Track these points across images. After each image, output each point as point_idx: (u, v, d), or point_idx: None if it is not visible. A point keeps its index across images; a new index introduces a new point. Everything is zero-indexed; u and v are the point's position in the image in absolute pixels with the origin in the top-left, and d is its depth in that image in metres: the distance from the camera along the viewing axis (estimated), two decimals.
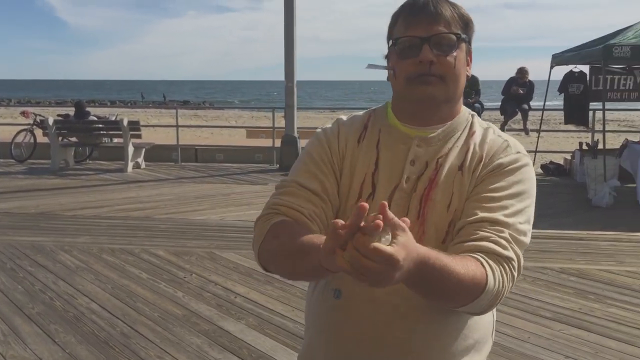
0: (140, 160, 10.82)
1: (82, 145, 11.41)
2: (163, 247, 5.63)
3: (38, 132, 11.35)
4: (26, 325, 3.83)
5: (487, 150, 1.31)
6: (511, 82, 10.47)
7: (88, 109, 11.69)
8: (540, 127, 10.96)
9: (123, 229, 6.38)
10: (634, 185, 7.98)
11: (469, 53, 1.32)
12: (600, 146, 8.46)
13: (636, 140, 9.26)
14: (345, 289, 1.30)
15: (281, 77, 10.70)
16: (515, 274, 1.23)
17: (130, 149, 10.46)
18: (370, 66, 1.40)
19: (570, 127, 10.53)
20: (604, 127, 8.42)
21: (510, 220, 1.23)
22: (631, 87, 9.98)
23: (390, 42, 1.31)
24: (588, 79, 9.75)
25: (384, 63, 1.36)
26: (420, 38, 1.24)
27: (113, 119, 11.57)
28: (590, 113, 10.42)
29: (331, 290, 1.33)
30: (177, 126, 11.97)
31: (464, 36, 1.28)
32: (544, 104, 10.76)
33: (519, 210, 1.26)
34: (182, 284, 4.62)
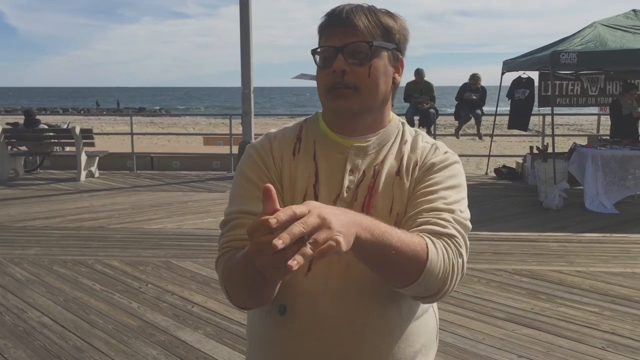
0: (93, 168, 10.59)
1: (33, 154, 11.10)
2: (118, 257, 5.52)
3: None
4: None
5: (420, 154, 1.35)
6: (464, 88, 10.69)
7: (39, 117, 11.37)
8: (493, 131, 11.21)
9: (76, 239, 6.22)
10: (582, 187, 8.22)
11: (397, 60, 1.32)
12: (550, 150, 8.70)
13: (584, 144, 9.56)
14: (290, 305, 1.30)
15: (239, 83, 10.66)
16: (462, 251, 1.23)
17: (83, 158, 10.23)
18: (300, 76, 1.41)
19: (522, 132, 10.79)
20: (553, 131, 8.66)
21: (449, 207, 1.26)
22: (579, 92, 10.32)
23: (313, 52, 1.32)
24: (537, 84, 10.03)
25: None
26: (335, 48, 1.24)
27: (65, 127, 11.30)
28: (540, 118, 10.71)
29: (276, 306, 1.32)
30: (132, 134, 11.77)
31: (382, 44, 1.27)
32: (496, 109, 11.02)
33: (457, 200, 1.29)
34: (137, 294, 4.54)
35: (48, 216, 7.37)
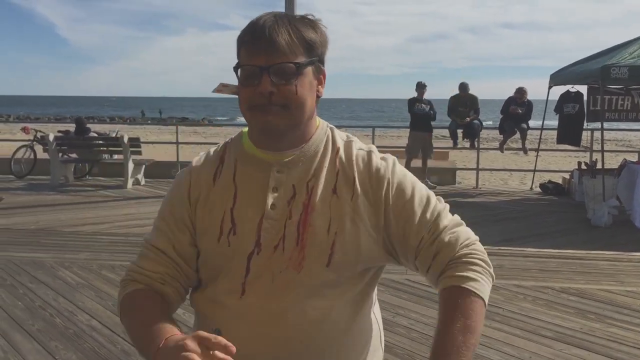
0: (140, 176, 10.84)
1: (82, 162, 11.43)
2: None
3: (38, 148, 11.37)
4: (26, 342, 3.82)
5: (360, 169, 1.31)
6: (510, 101, 10.55)
7: (88, 125, 11.73)
8: (538, 146, 11.02)
9: (123, 245, 6.37)
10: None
11: (320, 72, 1.30)
12: (598, 166, 8.50)
13: (634, 161, 9.30)
14: (225, 329, 1.22)
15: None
16: (482, 256, 1.33)
17: (131, 166, 10.48)
18: (220, 88, 1.39)
19: (569, 146, 10.58)
20: (602, 146, 8.46)
21: (435, 216, 1.30)
22: (629, 108, 10.05)
23: (234, 68, 1.28)
24: (586, 99, 9.82)
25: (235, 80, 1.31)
26: (260, 67, 1.21)
27: (113, 135, 11.62)
28: (589, 133, 10.48)
29: (211, 331, 1.24)
30: (177, 143, 12.01)
31: (306, 62, 1.24)
32: (543, 124, 10.83)
33: (428, 199, 1.32)
34: None
35: (97, 222, 7.57)
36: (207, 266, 1.33)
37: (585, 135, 10.16)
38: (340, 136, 1.37)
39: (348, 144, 1.35)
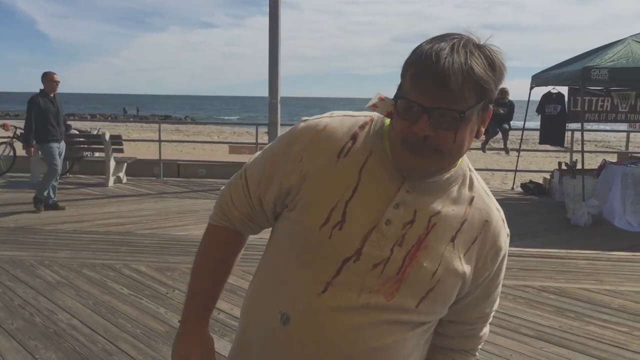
0: (121, 174, 10.74)
1: (63, 159, 11.28)
2: (145, 262, 5.59)
3: (18, 145, 11.20)
4: (5, 341, 3.77)
5: (487, 233, 1.27)
6: None
7: (68, 122, 11.59)
8: (520, 146, 11.13)
9: (104, 243, 6.32)
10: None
11: (486, 111, 1.18)
12: (579, 166, 8.60)
13: (614, 161, 9.43)
14: (296, 318, 1.22)
15: (263, 93, 10.76)
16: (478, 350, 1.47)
17: (112, 163, 10.38)
18: (374, 104, 1.21)
19: (550, 147, 10.69)
20: (582, 147, 8.56)
21: (492, 309, 1.40)
22: (609, 109, 10.18)
23: (398, 93, 1.18)
24: (567, 100, 9.94)
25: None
26: (421, 106, 1.10)
27: (95, 132, 11.49)
28: (569, 133, 10.60)
29: (277, 312, 1.25)
30: (160, 141, 11.92)
31: (475, 108, 1.13)
32: (524, 124, 10.94)
33: (498, 295, 1.40)
34: (164, 300, 4.59)
35: (77, 220, 7.49)
36: (296, 244, 1.25)
37: (566, 135, 10.28)
38: (481, 185, 1.31)
39: (486, 199, 1.29)
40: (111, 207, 8.45)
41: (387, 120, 1.24)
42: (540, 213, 8.57)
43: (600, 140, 27.40)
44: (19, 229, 6.94)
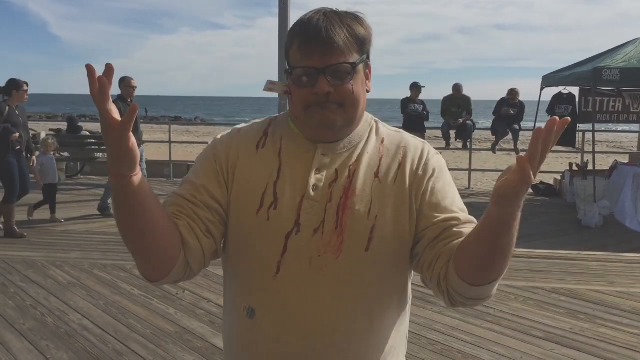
0: None
1: (74, 160, 11.38)
2: None
3: None
4: (17, 342, 3.80)
5: (409, 156, 1.32)
6: (502, 102, 10.58)
7: (80, 123, 11.69)
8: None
9: (115, 244, 6.34)
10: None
11: (367, 67, 1.31)
12: (590, 167, 8.55)
13: (625, 162, 9.36)
14: (259, 308, 1.28)
15: (273, 93, 10.75)
16: None
17: None
18: (269, 87, 1.41)
19: (560, 147, 10.63)
20: (593, 148, 8.51)
21: (455, 207, 1.31)
22: (620, 109, 10.11)
23: (287, 67, 1.29)
24: (578, 100, 9.87)
25: (284, 79, 1.33)
26: (316, 69, 1.22)
27: None
28: (580, 134, 10.53)
29: (244, 309, 1.30)
30: (170, 142, 11.96)
31: (360, 60, 1.26)
32: (535, 125, 10.88)
33: (454, 192, 1.34)
34: (174, 300, 4.61)
35: (88, 221, 7.55)
36: (241, 237, 1.30)
37: (577, 136, 10.22)
38: (388, 128, 1.39)
39: (396, 135, 1.37)
40: None
41: (289, 114, 1.36)
42: (551, 214, 8.52)
43: (612, 141, 27.20)
44: (31, 229, 6.99)
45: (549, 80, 10.11)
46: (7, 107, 6.53)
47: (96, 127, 15.78)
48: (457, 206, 1.31)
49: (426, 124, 10.68)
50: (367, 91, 1.32)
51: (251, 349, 1.31)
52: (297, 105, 1.27)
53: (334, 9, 1.28)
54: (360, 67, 1.27)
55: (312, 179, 1.27)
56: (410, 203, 1.29)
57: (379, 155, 1.32)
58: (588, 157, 9.18)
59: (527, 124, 11.27)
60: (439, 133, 11.64)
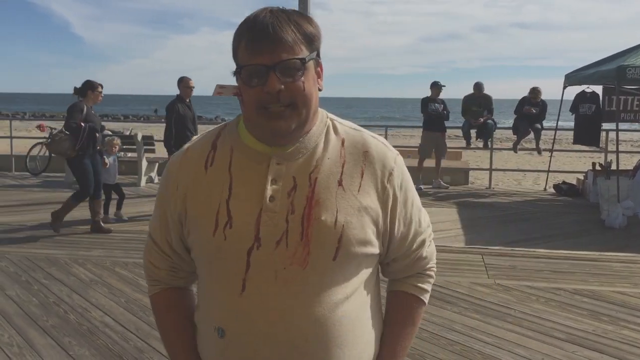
0: (153, 174, 10.90)
1: None
2: None
3: None
4: (41, 338, 3.86)
5: (371, 161, 1.29)
6: (524, 101, 10.49)
7: (102, 123, 11.80)
8: (552, 146, 10.95)
9: (136, 242, 6.41)
10: None
11: (318, 65, 1.28)
12: (613, 167, 8.43)
13: None
14: (228, 326, 1.26)
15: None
16: (434, 267, 1.47)
17: (144, 164, 10.54)
18: (219, 91, 1.38)
19: (583, 147, 10.50)
20: (617, 147, 8.39)
21: (422, 228, 1.40)
22: None
23: (235, 68, 1.25)
24: (601, 99, 9.74)
25: (233, 80, 1.29)
26: (265, 66, 1.18)
27: (127, 133, 11.68)
28: (604, 133, 10.39)
29: (214, 329, 1.28)
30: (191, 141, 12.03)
31: (310, 57, 1.22)
32: (557, 124, 10.77)
33: (420, 208, 1.41)
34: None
35: (110, 219, 7.62)
36: (203, 259, 1.30)
37: (600, 135, 10.09)
38: (346, 125, 1.34)
39: (356, 134, 1.32)
40: (143, 206, 8.57)
41: (241, 118, 1.34)
42: (574, 214, 8.41)
43: (637, 140, 26.77)
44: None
45: (571, 79, 9.99)
46: (86, 107, 6.73)
47: (117, 126, 15.95)
48: (421, 228, 1.39)
49: (447, 123, 10.63)
50: (319, 89, 1.28)
51: None
52: (249, 106, 1.23)
53: (281, 7, 1.25)
54: (311, 64, 1.23)
55: (269, 190, 1.24)
56: (377, 217, 1.28)
57: (341, 160, 1.27)
58: (611, 157, 9.05)
59: (549, 123, 11.14)
60: (459, 132, 11.56)
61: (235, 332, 1.25)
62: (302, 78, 1.20)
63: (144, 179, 10.54)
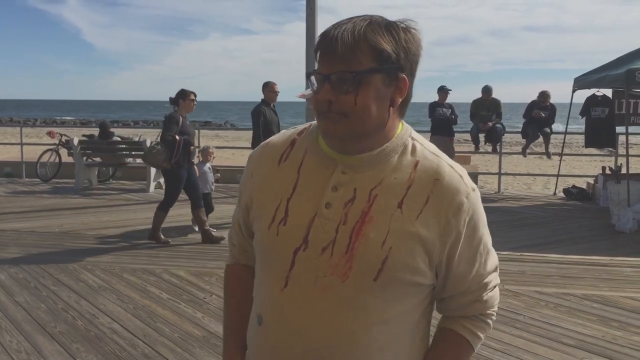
0: (162, 180, 10.90)
1: (106, 165, 11.59)
2: (184, 267, 5.68)
3: (63, 151, 11.56)
4: (49, 344, 3.88)
5: (441, 190, 1.24)
6: (533, 105, 10.44)
7: (112, 129, 11.88)
8: (562, 150, 10.88)
9: (145, 248, 6.44)
10: None
11: (396, 79, 1.21)
12: (623, 170, 8.36)
13: None
14: (266, 316, 1.29)
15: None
16: (494, 314, 1.39)
17: (153, 170, 10.58)
18: (302, 95, 1.42)
19: (593, 150, 10.43)
20: (627, 151, 8.33)
21: (486, 270, 1.33)
22: None
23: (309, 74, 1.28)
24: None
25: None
26: (322, 75, 1.20)
27: (136, 139, 11.74)
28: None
29: (255, 316, 1.34)
30: (199, 146, 12.07)
31: (369, 70, 1.17)
32: (566, 128, 10.71)
33: (489, 250, 1.34)
34: (202, 304, 4.64)
35: (119, 225, 7.66)
36: (258, 249, 1.35)
37: (617, 137, 10.04)
38: (427, 148, 1.30)
39: (433, 159, 1.27)
40: (152, 212, 8.56)
41: None
42: (583, 219, 8.36)
43: None
44: (64, 234, 7.15)
45: (580, 83, 9.94)
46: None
47: (127, 132, 16.03)
48: (485, 271, 1.33)
49: (455, 127, 10.60)
50: (392, 105, 1.23)
51: (257, 354, 1.34)
52: (313, 110, 1.26)
53: (372, 16, 1.22)
54: (376, 78, 1.18)
55: (327, 197, 1.24)
56: (432, 248, 1.23)
57: (408, 182, 1.24)
58: (622, 160, 8.99)
59: (558, 126, 11.08)
60: (468, 136, 11.53)
61: (271, 323, 1.28)
62: (356, 92, 1.18)
63: (152, 185, 10.58)
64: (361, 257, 1.20)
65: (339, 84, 1.18)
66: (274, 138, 1.40)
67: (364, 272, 1.20)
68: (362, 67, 1.17)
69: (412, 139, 1.29)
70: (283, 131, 1.43)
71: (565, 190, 10.31)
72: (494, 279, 1.36)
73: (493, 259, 1.35)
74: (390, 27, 1.20)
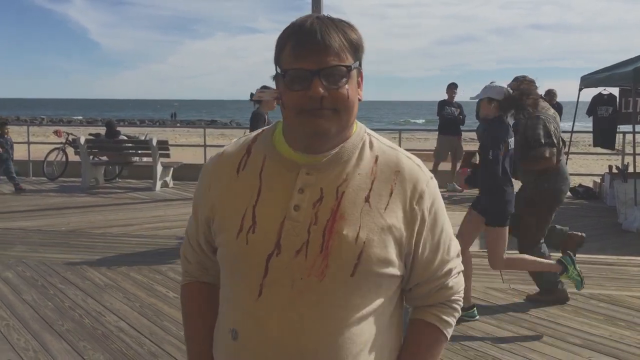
0: (168, 179, 10.97)
1: (112, 164, 11.62)
2: None
3: (70, 150, 11.60)
4: (56, 342, 3.90)
5: (403, 181, 1.28)
6: None
7: (118, 128, 11.91)
8: (568, 149, 10.80)
9: (151, 247, 6.46)
10: None
11: (360, 75, 1.27)
12: (630, 169, 8.33)
13: None
14: (241, 329, 1.26)
15: None
16: (460, 300, 1.40)
17: (159, 168, 10.62)
18: (259, 95, 1.38)
19: (600, 149, 10.39)
20: (634, 150, 8.29)
21: (450, 256, 1.35)
22: None
23: (278, 71, 1.25)
24: (618, 101, 9.64)
25: (273, 85, 1.30)
26: (310, 71, 1.18)
27: (143, 138, 11.77)
28: (620, 136, 10.28)
29: (228, 331, 1.29)
30: (205, 146, 12.12)
31: (355, 65, 1.23)
32: (573, 126, 10.67)
33: (451, 236, 1.37)
34: None
35: (125, 224, 7.68)
36: (225, 261, 1.31)
37: (617, 138, 9.98)
38: (382, 142, 1.33)
39: (391, 153, 1.31)
40: (158, 211, 8.64)
41: (279, 125, 1.34)
42: (590, 218, 8.33)
43: None
44: (70, 232, 7.18)
45: (587, 81, 9.90)
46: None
47: (133, 131, 16.08)
48: (449, 257, 1.35)
49: (462, 126, 10.59)
50: (359, 99, 1.28)
51: None
52: (290, 110, 1.23)
53: (327, 14, 1.26)
54: (354, 72, 1.23)
55: (294, 199, 1.24)
56: (401, 237, 1.26)
57: (372, 177, 1.26)
58: (629, 159, 8.94)
59: (564, 124, 11.03)
60: (474, 135, 11.49)
61: (248, 335, 1.25)
62: (347, 85, 1.21)
63: (159, 184, 10.61)
64: (336, 254, 1.21)
65: (332, 79, 1.19)
66: (227, 148, 1.38)
67: (341, 268, 1.21)
68: (348, 62, 1.21)
69: (367, 134, 1.33)
70: (235, 140, 1.40)
71: (572, 189, 10.26)
72: (457, 264, 1.38)
73: (455, 244, 1.38)
74: (350, 25, 1.25)
